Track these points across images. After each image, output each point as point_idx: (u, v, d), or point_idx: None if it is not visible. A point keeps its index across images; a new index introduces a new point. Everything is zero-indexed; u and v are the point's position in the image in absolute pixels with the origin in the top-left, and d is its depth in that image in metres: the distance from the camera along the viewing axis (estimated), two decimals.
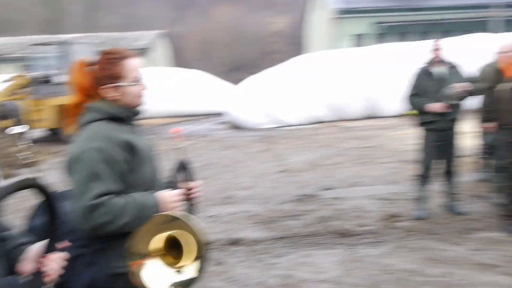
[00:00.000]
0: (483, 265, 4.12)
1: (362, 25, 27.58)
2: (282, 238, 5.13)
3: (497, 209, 5.48)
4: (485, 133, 6.15)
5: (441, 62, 5.54)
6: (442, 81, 5.43)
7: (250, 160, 9.64)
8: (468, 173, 6.75)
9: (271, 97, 14.42)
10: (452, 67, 5.60)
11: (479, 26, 26.64)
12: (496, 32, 21.37)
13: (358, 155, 9.13)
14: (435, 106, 5.32)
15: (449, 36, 21.80)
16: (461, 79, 5.53)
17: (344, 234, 5.13)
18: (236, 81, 20.82)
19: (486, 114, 5.78)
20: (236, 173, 8.47)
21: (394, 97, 13.35)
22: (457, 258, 4.32)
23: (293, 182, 7.48)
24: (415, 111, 5.66)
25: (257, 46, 44.77)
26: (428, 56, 5.65)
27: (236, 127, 14.78)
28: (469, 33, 18.58)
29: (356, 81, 13.97)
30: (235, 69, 38.53)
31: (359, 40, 26.47)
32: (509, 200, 4.91)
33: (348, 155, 9.25)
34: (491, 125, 5.69)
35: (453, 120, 5.49)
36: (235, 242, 5.05)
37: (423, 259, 4.35)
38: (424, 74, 5.53)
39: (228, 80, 23.63)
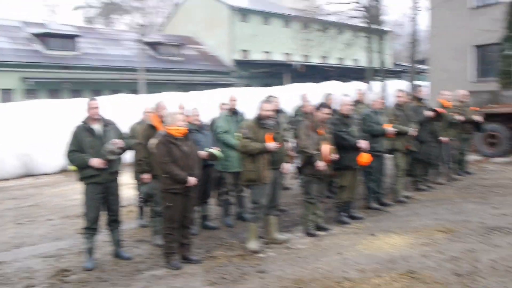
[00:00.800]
0: None
1: (10, 79, 26.20)
2: None
3: (158, 249, 6.21)
4: (141, 184, 6.87)
5: (98, 119, 5.97)
6: (101, 138, 5.85)
7: None
8: (129, 221, 7.34)
9: None
10: (109, 124, 6.10)
11: (127, 86, 29.01)
12: (142, 93, 23.71)
13: (17, 215, 8.65)
14: (96, 162, 5.68)
15: (100, 95, 22.95)
16: (118, 135, 6.09)
17: None
18: None
19: (140, 166, 6.50)
20: None
21: (51, 154, 13.28)
22: None
23: None
24: (76, 167, 5.88)
25: None
26: (83, 113, 5.98)
27: None
28: (117, 92, 20.07)
29: (8, 138, 13.17)
30: None
31: (8, 95, 25.09)
32: (165, 241, 5.62)
33: (6, 216, 8.65)
34: (146, 176, 6.46)
35: (113, 173, 5.95)
36: None
37: None
38: (83, 131, 5.82)
39: None
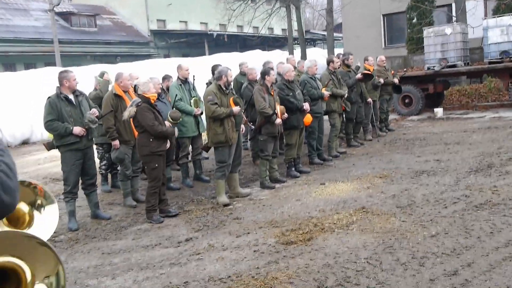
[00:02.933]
0: (148, 246, 5.26)
1: None
2: None
3: (132, 209, 6.79)
4: (106, 151, 7.29)
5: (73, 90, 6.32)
6: (77, 107, 6.23)
7: None
8: (99, 186, 7.77)
9: None
10: (81, 94, 6.46)
11: (41, 59, 27.86)
12: (58, 66, 23.01)
13: None
14: (78, 130, 6.07)
15: (13, 69, 22.06)
16: (89, 104, 6.50)
17: None
18: None
19: (111, 134, 6.93)
20: None
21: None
22: (126, 247, 5.29)
23: None
24: (56, 135, 6.22)
25: None
26: (55, 84, 6.30)
27: None
28: (32, 66, 19.55)
29: None
30: None
31: None
32: (150, 198, 6.19)
33: None
34: (116, 142, 6.93)
35: (90, 140, 6.38)
36: None
37: (101, 254, 5.14)
38: (61, 101, 6.14)
39: None
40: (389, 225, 5.04)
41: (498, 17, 13.98)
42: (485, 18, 15.00)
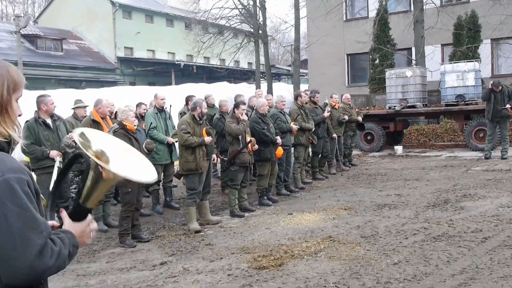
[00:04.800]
0: (123, 269, 5.39)
1: None
2: None
3: (103, 233, 6.88)
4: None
5: (51, 114, 6.47)
6: (54, 131, 6.38)
7: None
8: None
9: None
10: (59, 119, 6.62)
11: None
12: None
13: None
14: (55, 153, 6.20)
15: None
16: (67, 129, 6.65)
17: None
18: None
19: None
20: None
21: None
22: (101, 270, 5.40)
23: None
24: (33, 158, 6.33)
25: None
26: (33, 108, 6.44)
27: None
28: None
29: None
30: None
31: None
32: (123, 223, 6.32)
33: None
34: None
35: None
36: None
37: (76, 276, 5.23)
38: (38, 125, 6.29)
39: None
40: (354, 253, 5.36)
41: (454, 63, 14.93)
42: (442, 63, 16.00)
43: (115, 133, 6.23)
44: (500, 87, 11.55)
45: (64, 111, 8.38)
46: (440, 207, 7.31)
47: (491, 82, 12.12)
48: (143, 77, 35.71)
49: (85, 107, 8.04)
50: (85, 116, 7.93)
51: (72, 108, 8.12)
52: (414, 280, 4.46)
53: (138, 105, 8.92)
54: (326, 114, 10.47)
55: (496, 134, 12.02)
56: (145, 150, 7.31)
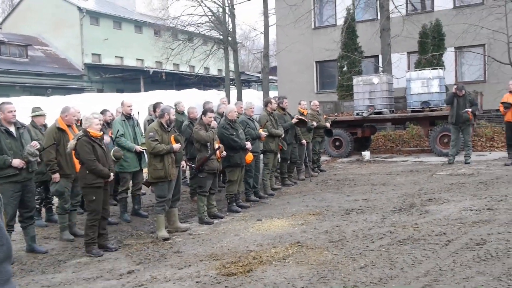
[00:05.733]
0: (90, 278, 5.29)
1: None
2: None
3: (69, 243, 6.76)
4: (52, 183, 7.24)
5: (14, 122, 6.32)
6: (17, 139, 6.23)
7: None
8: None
9: None
10: (22, 127, 6.47)
11: None
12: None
13: None
14: (18, 162, 6.06)
15: None
16: (31, 137, 6.51)
17: None
18: None
19: (51, 167, 6.93)
20: None
21: None
22: (66, 280, 5.30)
23: None
24: None
25: None
26: None
27: None
28: None
29: None
30: None
31: None
32: (89, 232, 6.21)
33: None
34: (56, 175, 6.94)
35: (31, 173, 6.35)
36: None
37: (41, 287, 5.11)
38: (1, 133, 6.14)
39: None
40: (322, 258, 5.41)
41: (419, 70, 15.28)
42: (408, 71, 16.35)
43: (78, 140, 6.15)
44: (463, 92, 11.89)
45: (29, 119, 8.20)
46: (406, 211, 7.45)
47: (455, 86, 12.49)
48: (111, 84, 35.28)
49: (43, 115, 7.87)
50: (44, 125, 7.79)
51: (30, 116, 7.93)
52: (380, 283, 4.53)
53: (103, 112, 8.81)
54: (294, 121, 10.55)
55: (460, 139, 12.34)
56: (113, 158, 7.24)
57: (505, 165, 11.39)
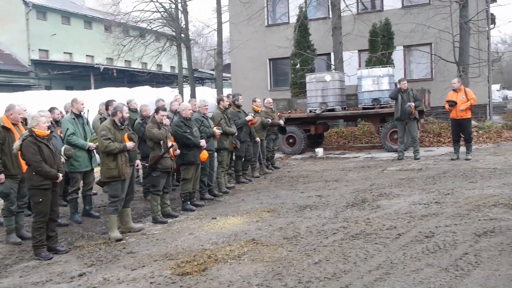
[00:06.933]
0: (38, 283, 5.12)
1: None
2: None
3: (15, 246, 6.52)
4: None
5: None
6: None
7: None
8: None
9: None
10: None
11: None
12: None
13: None
14: None
15: None
16: None
17: None
18: None
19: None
20: None
21: None
22: (13, 285, 5.10)
23: None
24: None
25: None
26: None
27: None
28: None
29: None
30: None
31: None
32: (36, 234, 6.00)
33: None
34: (1, 176, 6.66)
35: None
36: None
37: None
38: None
39: None
40: (277, 255, 5.44)
41: (370, 68, 15.63)
42: (359, 69, 16.68)
43: (24, 141, 5.92)
44: (405, 83, 12.31)
45: None
46: (358, 207, 7.61)
47: (398, 80, 12.90)
48: (60, 81, 34.17)
49: None
50: None
51: None
52: (333, 278, 4.60)
53: (51, 110, 8.54)
54: (249, 117, 10.56)
55: (407, 135, 12.71)
56: (64, 156, 7.02)
57: (452, 159, 11.82)
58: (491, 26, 21.88)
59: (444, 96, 12.42)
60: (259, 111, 11.64)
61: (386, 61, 17.92)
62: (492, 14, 21.40)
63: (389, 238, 5.77)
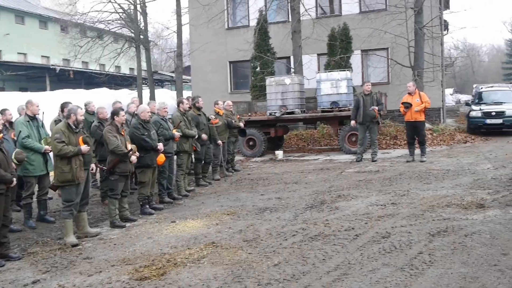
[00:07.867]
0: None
1: None
2: None
3: None
4: None
5: None
6: None
7: None
8: None
9: None
10: None
11: None
12: None
13: None
14: None
15: None
16: None
17: None
18: None
19: None
20: None
21: None
22: None
23: None
24: None
25: None
26: None
27: None
28: None
29: None
30: None
31: None
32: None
33: None
34: None
35: None
36: None
37: None
38: None
39: None
40: (237, 257, 5.44)
41: (328, 71, 15.86)
42: (318, 72, 16.91)
43: None
44: (369, 86, 12.59)
45: None
46: (317, 208, 7.70)
47: (363, 82, 13.23)
48: (13, 82, 33.06)
49: None
50: None
51: None
52: (293, 279, 4.64)
53: (2, 111, 8.27)
54: (212, 120, 10.55)
55: (367, 137, 12.97)
56: (15, 161, 6.79)
57: (407, 161, 12.13)
58: (445, 32, 22.65)
59: (400, 99, 12.73)
60: (221, 114, 11.61)
61: (345, 65, 18.22)
62: (445, 21, 22.16)
63: (347, 239, 5.87)
